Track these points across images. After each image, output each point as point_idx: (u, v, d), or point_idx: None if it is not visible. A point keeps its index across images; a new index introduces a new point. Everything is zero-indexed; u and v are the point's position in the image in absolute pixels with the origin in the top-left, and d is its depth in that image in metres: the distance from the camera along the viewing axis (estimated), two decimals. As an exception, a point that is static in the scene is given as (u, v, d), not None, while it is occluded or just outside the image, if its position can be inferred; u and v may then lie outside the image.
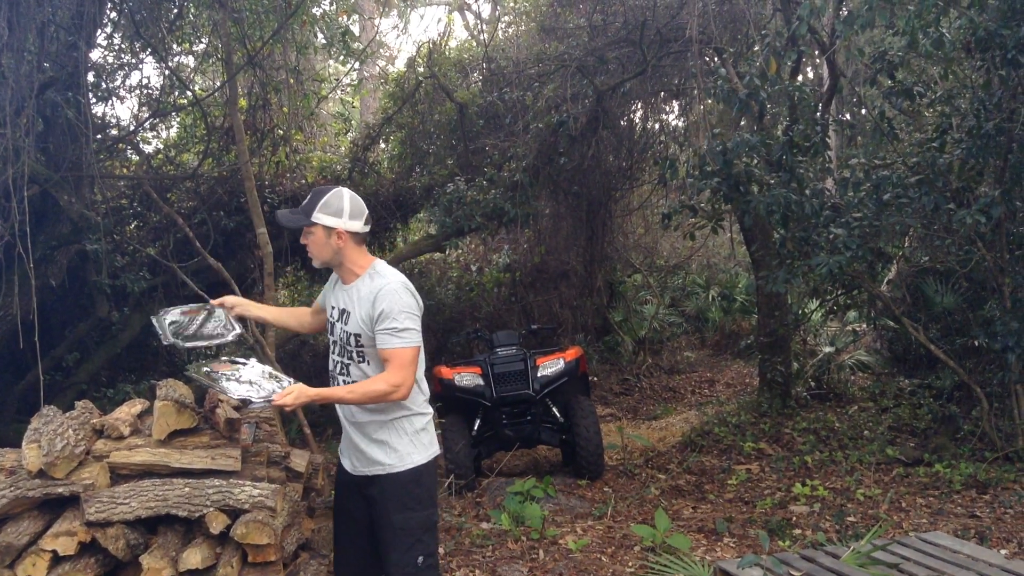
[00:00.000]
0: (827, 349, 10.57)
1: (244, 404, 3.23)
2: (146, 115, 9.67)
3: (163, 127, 10.84)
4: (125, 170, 9.83)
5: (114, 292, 8.31)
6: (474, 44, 12.88)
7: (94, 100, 8.34)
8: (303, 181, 10.80)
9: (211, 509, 2.94)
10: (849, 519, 5.88)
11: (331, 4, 9.95)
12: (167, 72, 9.05)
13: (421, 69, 11.44)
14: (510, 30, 12.92)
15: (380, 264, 3.33)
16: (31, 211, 6.58)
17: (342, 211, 3.22)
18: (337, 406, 3.36)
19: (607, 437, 8.13)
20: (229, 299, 3.51)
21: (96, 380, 9.06)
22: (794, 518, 6.05)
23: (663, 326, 13.97)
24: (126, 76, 9.28)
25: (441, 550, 5.38)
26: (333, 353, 3.40)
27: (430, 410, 3.45)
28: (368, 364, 3.26)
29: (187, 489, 2.97)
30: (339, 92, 14.14)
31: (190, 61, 10.49)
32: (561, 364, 7.44)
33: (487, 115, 10.95)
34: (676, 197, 10.94)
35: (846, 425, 8.52)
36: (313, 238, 3.23)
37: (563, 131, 9.68)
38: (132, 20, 7.97)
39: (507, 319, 11.85)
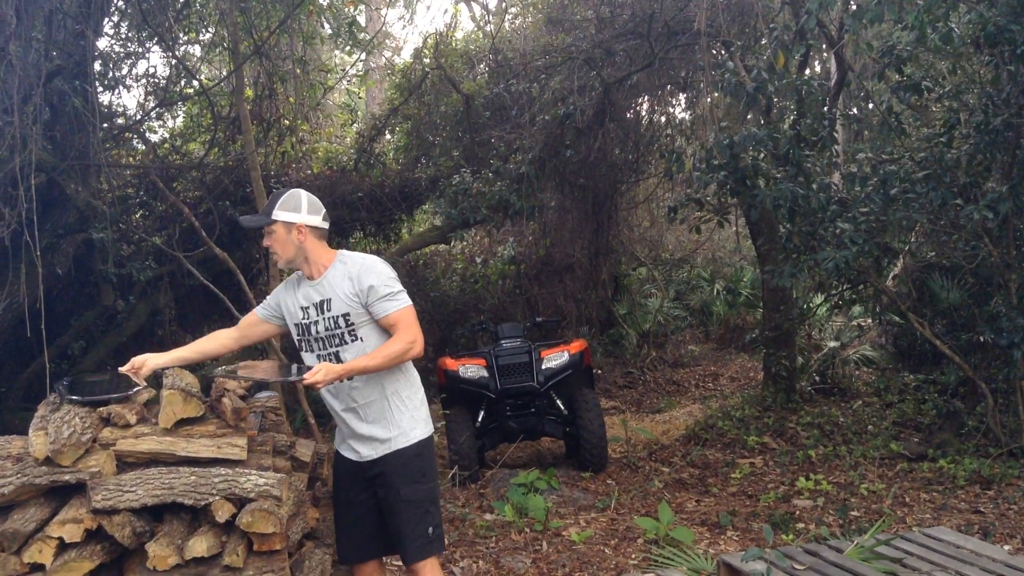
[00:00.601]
0: (832, 344, 10.56)
1: (280, 382, 3.30)
2: (152, 104, 9.67)
3: (169, 116, 10.87)
4: (131, 159, 9.84)
5: (120, 281, 8.32)
6: (481, 35, 12.86)
7: (101, 89, 8.34)
8: (309, 171, 10.81)
9: (217, 498, 2.95)
10: (853, 514, 5.88)
11: (338, -6, 9.95)
12: (174, 61, 9.05)
13: (427, 60, 11.43)
14: (517, 21, 12.89)
15: (345, 252, 3.43)
16: (38, 199, 6.58)
17: (300, 207, 3.34)
18: (333, 401, 3.42)
19: (611, 430, 8.13)
20: (137, 360, 3.39)
21: (102, 368, 9.08)
22: (798, 512, 6.06)
23: (667, 319, 13.96)
24: (133, 65, 9.30)
25: (446, 540, 5.40)
26: (313, 351, 3.42)
27: (422, 388, 3.54)
28: (362, 341, 3.33)
29: (193, 478, 2.98)
30: (345, 83, 14.14)
31: (197, 50, 10.50)
32: (565, 357, 7.45)
33: (493, 107, 10.94)
34: (682, 190, 10.93)
35: (850, 420, 8.51)
36: (275, 236, 3.34)
37: (569, 123, 9.67)
38: (139, 9, 7.97)
39: (512, 311, 11.85)
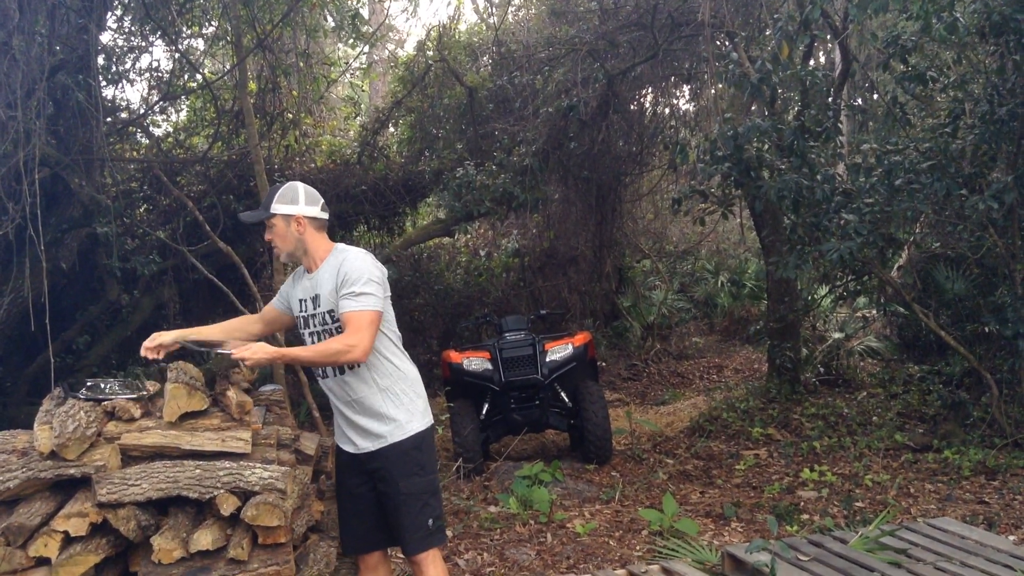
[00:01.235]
0: (836, 335, 10.54)
1: (221, 352, 3.38)
2: (156, 98, 9.67)
3: (173, 110, 10.84)
4: (135, 153, 9.85)
5: (124, 275, 8.34)
6: (484, 27, 12.82)
7: (104, 83, 8.34)
8: (312, 165, 10.80)
9: (222, 491, 2.96)
10: (857, 505, 5.88)
11: (341, -13, 9.93)
12: (177, 55, 9.05)
13: (431, 53, 11.40)
14: (520, 13, 12.86)
15: (342, 245, 3.44)
16: (42, 194, 6.60)
17: (297, 198, 3.38)
18: (330, 394, 3.45)
19: (615, 422, 8.13)
20: (167, 335, 3.40)
21: (106, 363, 9.11)
22: (802, 503, 6.06)
23: (672, 312, 13.94)
24: (136, 59, 9.29)
25: (449, 533, 5.41)
26: (312, 344, 3.43)
27: (420, 379, 3.54)
28: None
29: (198, 471, 2.99)
30: (348, 76, 14.11)
31: (200, 44, 10.48)
32: (570, 349, 7.45)
33: (497, 99, 10.92)
34: (686, 182, 10.90)
35: (855, 411, 8.51)
36: (276, 230, 3.37)
37: (573, 115, 9.65)
38: (142, 3, 7.95)
39: (516, 304, 11.85)
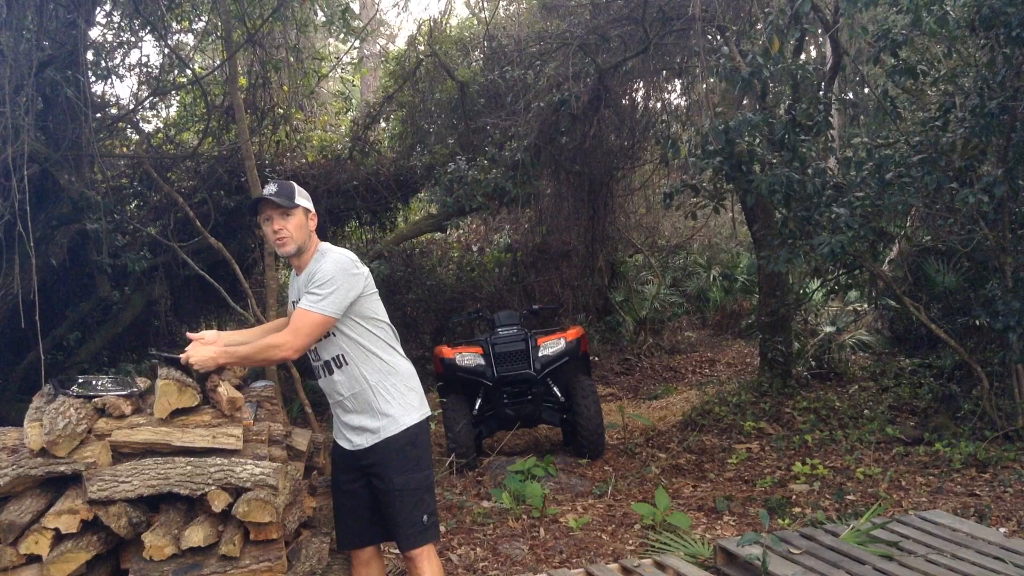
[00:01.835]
0: (828, 329, 10.57)
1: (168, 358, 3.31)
2: (146, 94, 9.64)
3: (163, 106, 10.83)
4: (125, 149, 9.81)
5: (115, 272, 8.31)
6: (475, 22, 12.81)
7: (93, 79, 8.30)
8: (303, 160, 10.77)
9: (213, 487, 2.95)
10: (849, 498, 5.90)
11: (331, -18, 9.90)
12: (167, 50, 9.01)
13: (422, 47, 11.38)
14: (511, 8, 12.83)
15: (325, 245, 3.46)
16: (31, 190, 6.56)
17: (308, 197, 3.49)
18: (325, 389, 3.47)
19: (608, 416, 8.15)
20: (209, 334, 3.45)
21: (97, 359, 9.07)
22: (794, 497, 6.07)
23: (664, 306, 13.97)
24: (125, 54, 9.27)
25: (442, 528, 5.41)
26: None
27: (414, 373, 3.53)
28: (335, 337, 3.35)
29: (189, 467, 2.98)
30: (339, 71, 14.08)
31: (190, 39, 10.45)
32: (562, 344, 7.45)
33: (488, 94, 10.90)
34: (678, 177, 10.90)
35: (846, 404, 8.53)
36: (295, 221, 3.37)
37: (564, 110, 9.63)
38: (131, -2, 7.93)
39: (508, 299, 11.86)
